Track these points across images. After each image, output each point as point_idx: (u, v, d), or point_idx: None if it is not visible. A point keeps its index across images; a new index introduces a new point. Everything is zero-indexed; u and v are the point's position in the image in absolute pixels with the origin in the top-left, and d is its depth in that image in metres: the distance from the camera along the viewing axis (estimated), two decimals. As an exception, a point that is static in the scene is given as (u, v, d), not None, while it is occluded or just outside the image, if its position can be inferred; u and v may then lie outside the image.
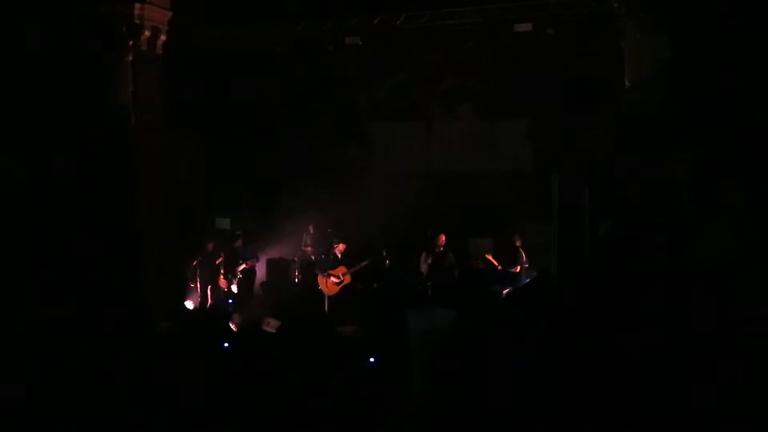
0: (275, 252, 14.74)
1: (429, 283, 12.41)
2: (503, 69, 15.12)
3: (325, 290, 12.78)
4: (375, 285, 13.40)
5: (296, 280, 14.38)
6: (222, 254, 13.45)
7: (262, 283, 14.21)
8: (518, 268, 13.02)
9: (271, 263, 14.38)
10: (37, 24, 11.48)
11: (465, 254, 13.71)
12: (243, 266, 13.65)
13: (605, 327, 6.05)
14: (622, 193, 8.28)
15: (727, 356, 4.59)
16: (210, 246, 13.32)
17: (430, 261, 12.46)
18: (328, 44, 15.87)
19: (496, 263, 13.29)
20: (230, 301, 13.48)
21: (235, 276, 13.62)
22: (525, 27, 14.00)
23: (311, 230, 14.92)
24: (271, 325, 10.91)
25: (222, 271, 13.40)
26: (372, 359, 9.45)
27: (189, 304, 13.10)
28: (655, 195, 7.44)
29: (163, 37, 12.15)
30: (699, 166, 6.55)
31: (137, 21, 11.62)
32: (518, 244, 13.14)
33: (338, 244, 13.05)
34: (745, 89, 6.58)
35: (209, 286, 13.25)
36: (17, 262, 10.74)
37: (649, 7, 8.80)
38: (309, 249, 14.84)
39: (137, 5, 11.51)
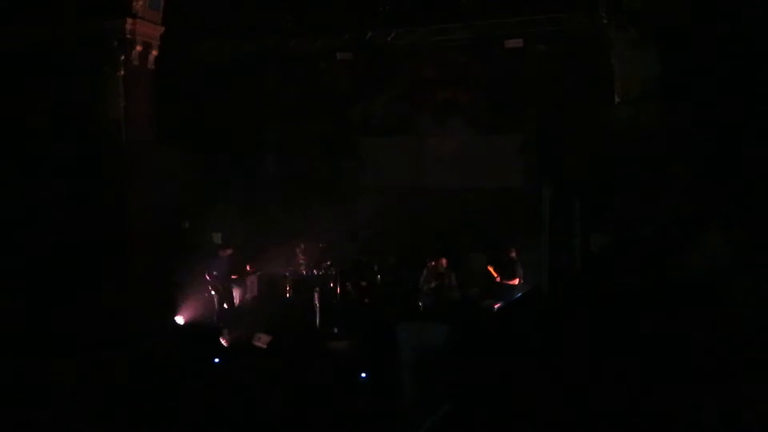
0: (266, 266, 14.71)
1: (428, 304, 12.55)
2: (495, 84, 15.20)
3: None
4: (366, 300, 13.37)
5: (287, 295, 14.33)
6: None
7: (254, 298, 14.17)
8: (517, 280, 12.99)
9: (262, 278, 14.34)
10: (29, 38, 11.49)
11: (461, 270, 13.73)
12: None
13: (598, 340, 6.05)
14: (613, 207, 8.31)
15: (723, 369, 4.59)
16: (227, 252, 13.43)
17: (432, 285, 12.69)
18: (320, 60, 15.95)
19: (495, 275, 13.25)
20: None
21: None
22: (516, 43, 14.12)
23: (302, 247, 14.96)
24: (262, 341, 10.85)
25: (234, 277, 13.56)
26: (364, 375, 9.41)
27: (180, 319, 13.03)
28: (646, 209, 7.48)
29: (154, 52, 12.16)
30: (690, 179, 6.61)
31: (129, 36, 11.63)
32: (513, 255, 13.11)
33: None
34: (736, 102, 6.64)
35: (224, 301, 13.36)
36: (9, 271, 10.69)
37: (638, 22, 8.87)
38: (303, 261, 14.88)
39: (129, 20, 11.53)
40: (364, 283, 13.40)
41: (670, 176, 7.34)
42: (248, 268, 13.93)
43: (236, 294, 13.82)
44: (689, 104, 7.78)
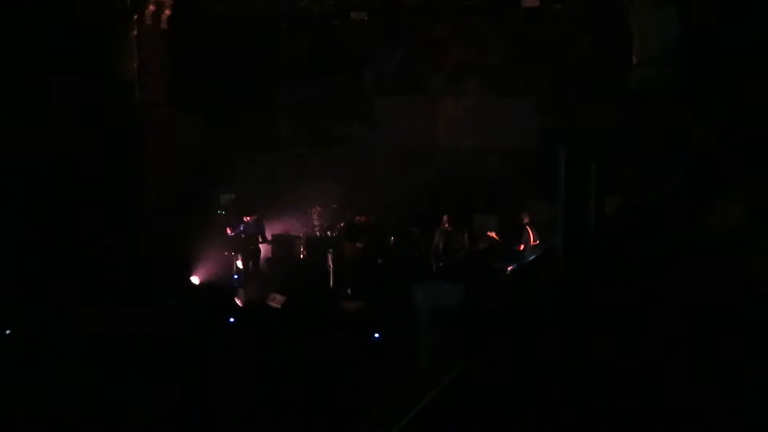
0: (281, 228, 14.78)
1: (440, 264, 12.58)
2: (510, 44, 15.02)
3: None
4: (380, 261, 13.41)
5: (301, 256, 14.41)
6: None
7: (268, 259, 14.26)
8: (522, 246, 12.90)
9: (276, 239, 14.41)
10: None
11: (471, 231, 13.72)
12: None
13: (612, 303, 6.05)
14: (629, 169, 8.23)
15: (734, 334, 4.58)
16: (250, 218, 13.49)
17: (440, 245, 12.83)
18: (333, 19, 15.79)
19: (496, 238, 13.21)
20: (236, 276, 13.56)
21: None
22: (532, 2, 13.90)
23: (319, 209, 15.00)
24: (276, 301, 10.94)
25: (260, 241, 13.80)
26: (377, 335, 9.48)
27: (195, 279, 13.14)
28: (662, 171, 7.41)
29: (167, 12, 12.09)
30: (708, 141, 6.53)
31: (141, -5, 11.57)
32: (525, 221, 13.02)
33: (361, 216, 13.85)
34: (757, 62, 6.53)
35: (250, 260, 13.59)
36: (20, 235, 10.75)
37: (658, -20, 8.70)
38: (318, 224, 14.96)
39: (141, -21, 11.45)
40: (359, 245, 13.41)
41: (687, 137, 7.26)
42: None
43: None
44: (709, 64, 7.66)
